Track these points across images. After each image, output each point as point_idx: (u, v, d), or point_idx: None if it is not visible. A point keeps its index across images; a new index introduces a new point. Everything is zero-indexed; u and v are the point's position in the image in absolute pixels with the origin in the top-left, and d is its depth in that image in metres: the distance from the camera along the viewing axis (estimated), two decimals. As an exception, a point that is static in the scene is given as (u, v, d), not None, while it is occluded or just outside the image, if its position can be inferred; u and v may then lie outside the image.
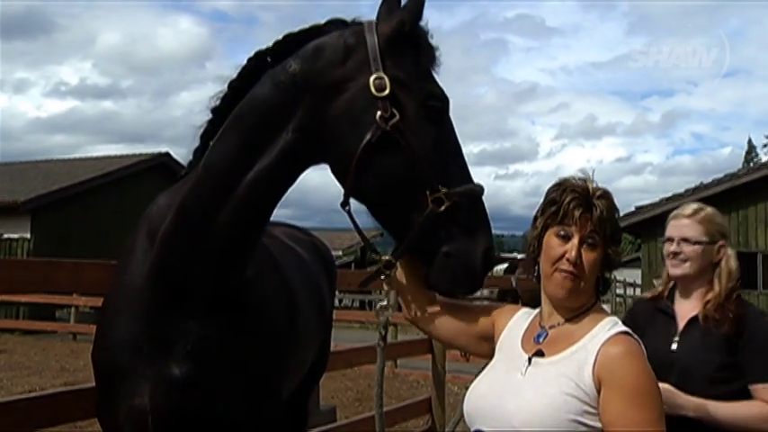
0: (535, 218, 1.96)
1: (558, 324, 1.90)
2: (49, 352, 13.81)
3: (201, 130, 2.14)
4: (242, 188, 1.95)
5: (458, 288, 1.93)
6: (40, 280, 2.77)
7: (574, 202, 1.86)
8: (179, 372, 2.01)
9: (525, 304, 2.13)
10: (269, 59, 2.02)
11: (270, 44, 2.05)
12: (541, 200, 1.97)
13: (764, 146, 68.57)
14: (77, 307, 16.20)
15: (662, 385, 2.49)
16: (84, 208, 20.34)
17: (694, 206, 2.77)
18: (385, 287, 2.08)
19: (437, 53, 2.00)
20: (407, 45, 1.95)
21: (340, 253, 29.57)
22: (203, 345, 2.04)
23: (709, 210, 2.75)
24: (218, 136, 2.03)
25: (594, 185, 1.90)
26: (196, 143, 2.16)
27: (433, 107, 1.94)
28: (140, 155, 23.54)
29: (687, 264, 2.68)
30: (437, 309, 2.11)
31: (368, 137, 1.85)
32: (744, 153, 71.82)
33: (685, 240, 2.68)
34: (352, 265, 31.14)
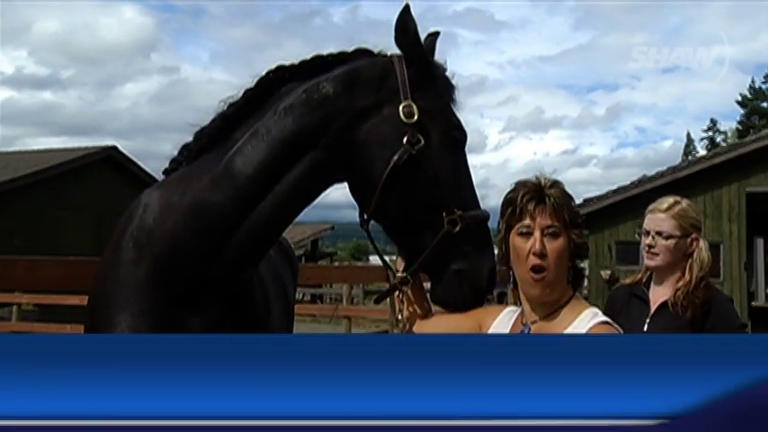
0: (498, 224, 2.03)
1: (539, 319, 1.93)
2: (-10, 351, 13.28)
3: (201, 130, 2.17)
4: (269, 199, 2.03)
5: (463, 304, 2.06)
6: (-6, 278, 2.63)
7: (527, 196, 1.92)
8: None
9: None
10: (288, 75, 2.12)
11: (295, 62, 2.14)
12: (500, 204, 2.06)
13: (701, 139, 70.71)
14: (20, 305, 15.65)
15: None
16: (27, 203, 19.64)
17: (670, 200, 2.92)
18: (397, 303, 2.19)
19: (456, 90, 2.19)
20: (432, 79, 2.13)
21: (291, 247, 29.32)
22: None
23: (684, 204, 2.91)
24: (241, 145, 2.06)
25: (545, 179, 1.97)
26: (188, 140, 2.18)
27: (453, 137, 2.11)
28: (86, 148, 22.83)
29: (660, 257, 2.84)
30: (429, 315, 2.18)
31: (395, 159, 1.98)
32: (683, 146, 73.98)
33: (659, 234, 2.84)
34: (303, 258, 30.99)
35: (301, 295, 28.66)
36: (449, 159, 2.07)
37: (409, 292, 2.14)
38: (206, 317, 2.04)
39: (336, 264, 33.38)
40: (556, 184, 1.95)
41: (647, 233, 2.88)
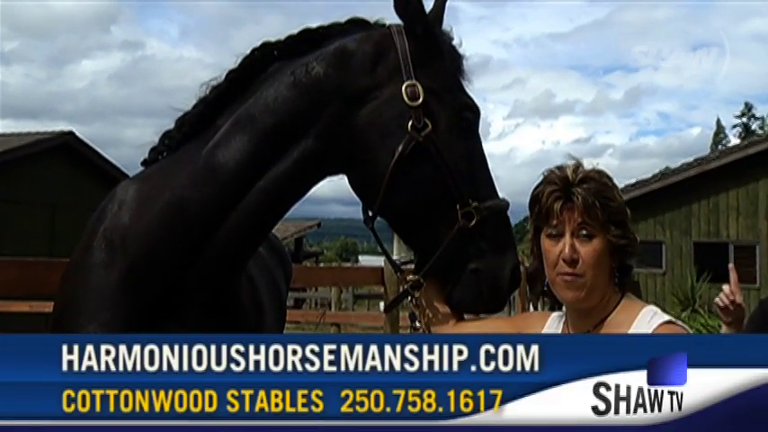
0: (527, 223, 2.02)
1: (592, 329, 1.92)
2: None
3: (183, 117, 2.17)
4: (253, 194, 2.02)
5: (483, 306, 2.05)
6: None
7: (552, 195, 1.89)
8: None
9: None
10: (276, 53, 2.10)
11: (281, 37, 2.11)
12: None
13: (734, 127, 70.79)
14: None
15: None
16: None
17: None
18: (413, 307, 2.12)
19: (466, 62, 2.14)
20: (437, 52, 2.07)
21: (271, 246, 29.27)
22: None
23: None
24: (222, 134, 2.05)
25: (578, 169, 1.92)
26: (170, 127, 2.19)
27: (465, 118, 2.06)
28: (37, 133, 22.66)
29: None
30: (462, 323, 2.11)
31: (400, 149, 1.95)
32: (712, 134, 74.10)
33: None
34: (285, 259, 30.90)
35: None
36: (461, 144, 2.03)
37: (429, 295, 2.07)
38: (185, 326, 2.04)
39: (322, 264, 33.35)
40: (588, 177, 1.89)
41: None
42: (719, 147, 52.39)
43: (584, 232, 1.86)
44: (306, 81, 2.02)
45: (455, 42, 2.15)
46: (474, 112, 2.10)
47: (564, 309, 2.02)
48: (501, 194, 2.10)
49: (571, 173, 1.90)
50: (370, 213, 2.08)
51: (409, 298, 2.08)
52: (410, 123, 1.95)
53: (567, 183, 1.89)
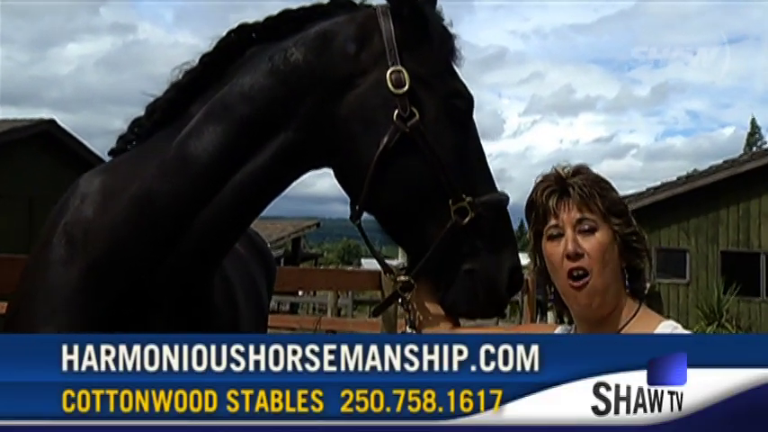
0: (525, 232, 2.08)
1: None
2: None
3: (154, 102, 2.19)
4: (228, 188, 2.03)
5: (479, 310, 2.07)
6: None
7: (547, 191, 1.96)
8: None
9: None
10: (254, 36, 2.12)
11: (260, 19, 2.13)
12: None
13: (770, 127, 70.45)
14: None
15: None
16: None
17: None
18: (401, 311, 2.14)
19: (457, 44, 2.15)
20: (426, 34, 2.08)
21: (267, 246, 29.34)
22: None
23: None
24: (195, 124, 2.07)
25: (567, 166, 2.01)
26: (140, 114, 2.21)
27: (456, 106, 2.08)
28: (14, 120, 22.68)
29: None
30: (462, 332, 2.13)
31: (385, 140, 1.97)
32: (746, 135, 73.93)
33: None
34: (282, 260, 31.04)
35: (277, 304, 28.74)
36: (452, 134, 2.04)
37: (423, 299, 2.09)
38: (154, 324, 2.05)
39: (321, 267, 33.39)
40: (580, 170, 1.97)
41: None
42: (753, 148, 52.18)
43: (585, 227, 1.91)
44: (284, 68, 2.04)
45: (447, 23, 2.16)
46: (466, 98, 2.12)
47: (574, 323, 2.07)
48: (510, 193, 2.13)
49: (561, 170, 1.99)
50: (356, 209, 2.09)
51: (399, 300, 2.10)
52: (396, 112, 1.97)
53: (560, 178, 1.97)
